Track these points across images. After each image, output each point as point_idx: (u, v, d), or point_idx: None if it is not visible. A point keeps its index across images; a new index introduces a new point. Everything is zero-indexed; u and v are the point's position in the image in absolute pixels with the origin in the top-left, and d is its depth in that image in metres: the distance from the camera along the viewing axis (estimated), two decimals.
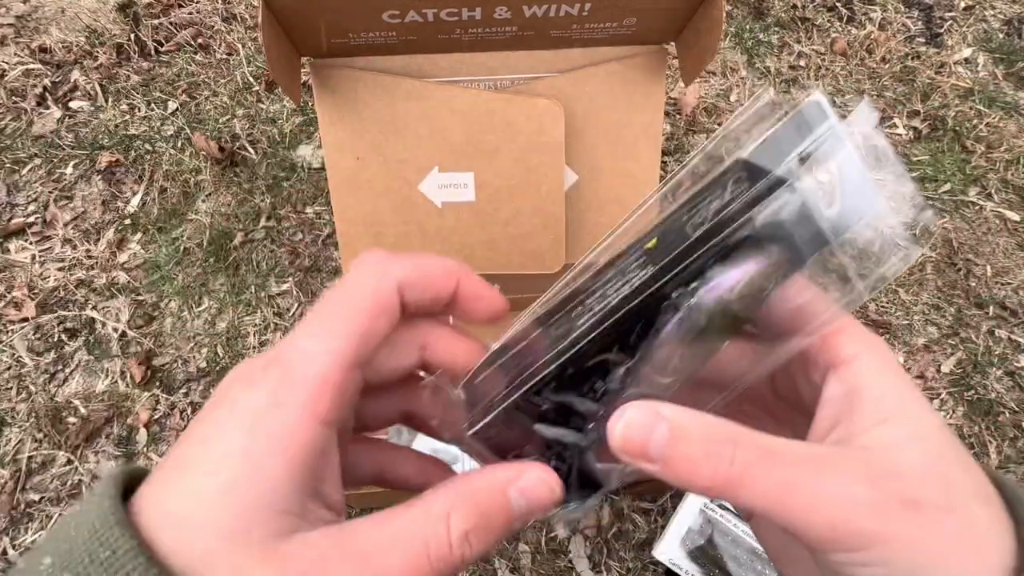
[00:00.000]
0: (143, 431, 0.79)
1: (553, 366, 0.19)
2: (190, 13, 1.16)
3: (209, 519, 0.16)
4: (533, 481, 0.19)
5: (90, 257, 0.91)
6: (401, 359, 0.22)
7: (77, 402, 0.81)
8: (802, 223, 0.18)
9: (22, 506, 0.75)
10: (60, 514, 0.74)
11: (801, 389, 0.22)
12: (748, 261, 0.18)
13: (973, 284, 0.93)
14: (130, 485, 0.17)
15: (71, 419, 0.80)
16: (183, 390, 0.82)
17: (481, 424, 0.20)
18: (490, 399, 0.21)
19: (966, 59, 1.15)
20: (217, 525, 0.16)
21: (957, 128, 1.06)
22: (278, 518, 0.16)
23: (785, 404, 0.23)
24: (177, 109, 1.05)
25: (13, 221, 0.94)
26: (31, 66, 1.09)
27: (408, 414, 0.24)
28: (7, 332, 0.85)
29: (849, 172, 0.18)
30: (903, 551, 0.16)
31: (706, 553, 0.66)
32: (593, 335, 0.19)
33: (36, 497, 0.75)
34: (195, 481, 0.17)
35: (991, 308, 0.91)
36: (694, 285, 0.18)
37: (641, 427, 0.18)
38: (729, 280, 0.18)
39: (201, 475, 0.17)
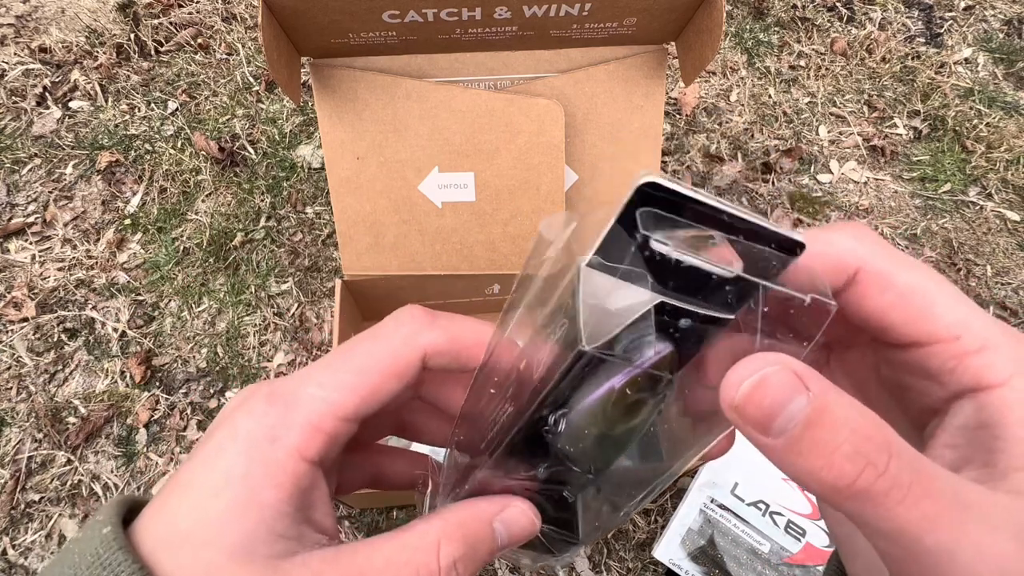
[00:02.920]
0: (143, 431, 0.79)
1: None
2: (190, 13, 1.16)
3: (213, 537, 0.17)
4: (515, 513, 0.21)
5: (90, 257, 0.91)
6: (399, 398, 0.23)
7: (77, 402, 0.81)
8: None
9: (22, 506, 0.75)
10: (60, 514, 0.74)
11: (911, 398, 0.19)
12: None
13: (973, 284, 0.93)
14: (130, 512, 0.18)
15: (71, 419, 0.80)
16: (183, 390, 0.82)
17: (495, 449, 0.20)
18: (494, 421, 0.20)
19: (966, 59, 1.15)
20: (221, 544, 0.17)
21: (957, 128, 1.06)
22: (278, 541, 0.17)
23: (881, 400, 0.20)
24: (177, 109, 1.05)
25: (13, 221, 0.94)
26: (31, 66, 1.09)
27: (401, 426, 0.25)
28: (7, 332, 0.85)
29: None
30: None
31: (706, 553, 0.66)
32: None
33: (36, 497, 0.75)
34: (200, 501, 0.17)
35: (991, 308, 0.90)
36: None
37: (778, 391, 0.14)
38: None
39: (205, 495, 0.17)
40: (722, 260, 0.15)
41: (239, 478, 0.17)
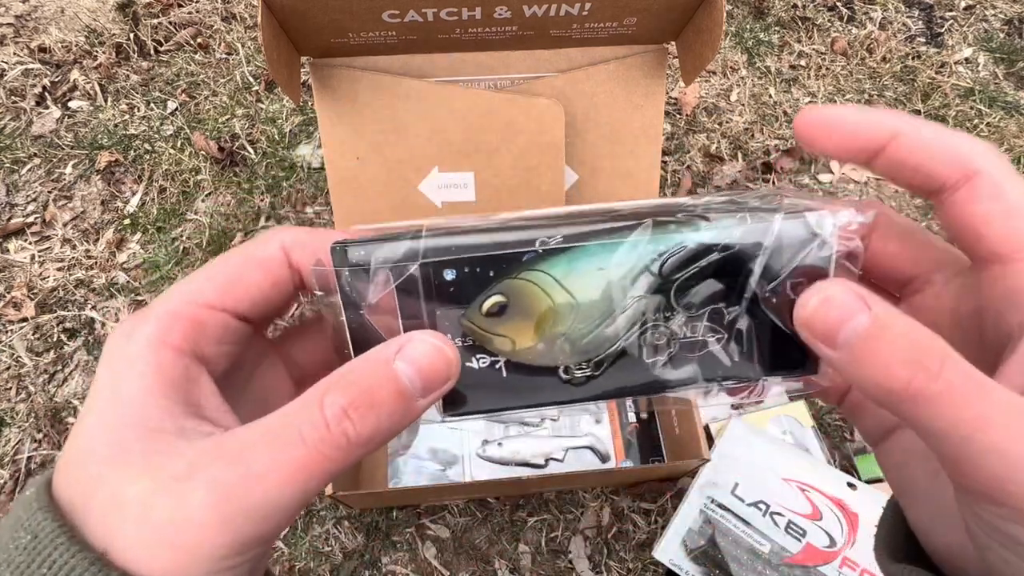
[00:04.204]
0: None
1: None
2: (189, 13, 1.15)
3: (89, 452, 0.17)
4: (422, 349, 0.17)
5: (89, 257, 0.91)
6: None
7: (76, 402, 0.80)
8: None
9: None
10: None
11: (987, 327, 0.19)
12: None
13: None
14: None
15: (70, 419, 0.79)
16: None
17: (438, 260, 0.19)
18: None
19: (967, 59, 1.15)
20: (95, 454, 0.17)
21: (958, 128, 1.06)
22: (150, 436, 0.17)
23: (973, 339, 0.20)
24: (177, 109, 1.05)
25: (12, 221, 0.94)
26: (30, 66, 1.08)
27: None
28: (6, 332, 0.85)
29: None
30: None
31: (707, 554, 0.66)
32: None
33: None
34: (78, 427, 0.17)
35: None
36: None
37: (841, 308, 0.16)
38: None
39: (80, 421, 0.17)
40: None
41: (103, 388, 0.17)
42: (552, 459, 0.73)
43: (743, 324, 0.19)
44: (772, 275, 0.19)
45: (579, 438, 0.74)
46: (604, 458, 0.73)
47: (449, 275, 0.19)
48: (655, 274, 0.19)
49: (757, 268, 0.19)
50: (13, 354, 0.84)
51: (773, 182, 1.00)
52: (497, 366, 0.20)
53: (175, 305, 0.19)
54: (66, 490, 0.17)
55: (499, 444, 0.73)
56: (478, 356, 0.20)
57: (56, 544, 0.15)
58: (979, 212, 0.17)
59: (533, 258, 0.19)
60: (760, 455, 0.71)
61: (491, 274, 0.19)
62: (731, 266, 0.19)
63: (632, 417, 0.76)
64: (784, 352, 0.19)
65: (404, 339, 0.18)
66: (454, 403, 0.20)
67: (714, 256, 0.19)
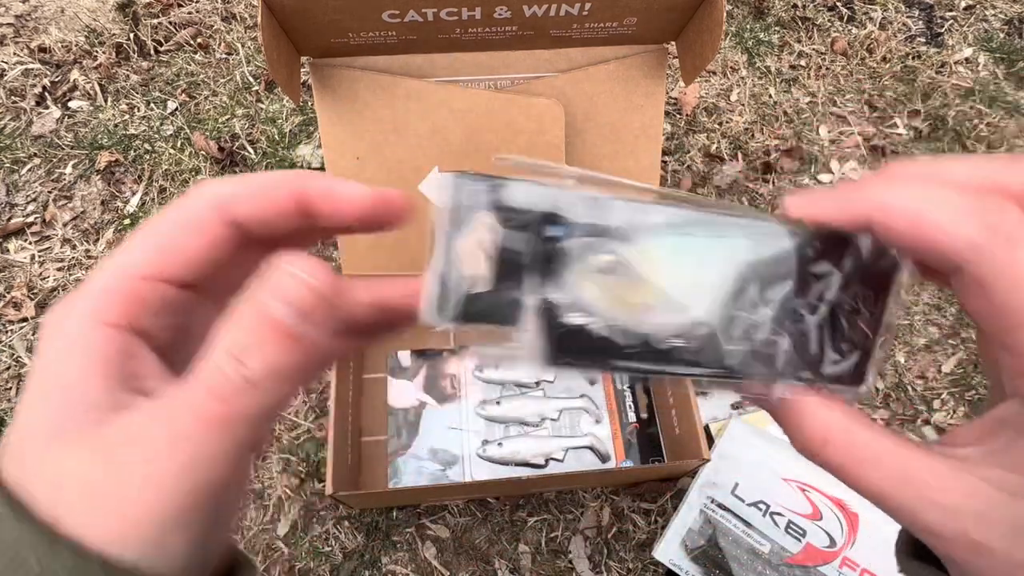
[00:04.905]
0: None
1: None
2: (189, 13, 1.15)
3: (30, 434, 0.17)
4: (286, 282, 0.16)
5: (89, 257, 0.91)
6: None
7: None
8: None
9: None
10: None
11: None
12: None
13: None
14: None
15: None
16: None
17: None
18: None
19: (967, 59, 1.15)
20: (36, 436, 0.17)
21: (958, 128, 1.06)
22: (88, 412, 0.17)
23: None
24: (177, 109, 1.05)
25: (12, 221, 0.94)
26: (30, 66, 1.08)
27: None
28: (6, 332, 0.85)
29: None
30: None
31: (707, 554, 0.66)
32: None
33: None
34: (17, 412, 0.18)
35: None
36: None
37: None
38: None
39: (20, 404, 0.18)
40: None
41: (41, 369, 0.18)
42: (552, 459, 0.73)
43: (817, 328, 0.21)
44: (848, 282, 0.20)
45: (579, 438, 0.74)
46: (604, 458, 0.73)
47: (554, 231, 0.19)
48: (750, 270, 0.20)
49: (836, 277, 0.20)
50: (13, 354, 0.84)
51: (773, 182, 1.00)
52: (591, 326, 0.20)
53: (108, 280, 0.19)
54: (11, 474, 0.17)
55: (499, 444, 0.73)
56: (573, 313, 0.20)
57: (2, 518, 0.16)
58: (970, 306, 0.18)
59: (646, 232, 0.20)
60: (760, 455, 0.71)
61: (601, 237, 0.20)
62: (816, 272, 0.20)
63: (632, 417, 0.76)
64: (846, 360, 0.21)
65: (272, 271, 0.17)
66: (557, 351, 0.20)
67: (800, 262, 0.20)
